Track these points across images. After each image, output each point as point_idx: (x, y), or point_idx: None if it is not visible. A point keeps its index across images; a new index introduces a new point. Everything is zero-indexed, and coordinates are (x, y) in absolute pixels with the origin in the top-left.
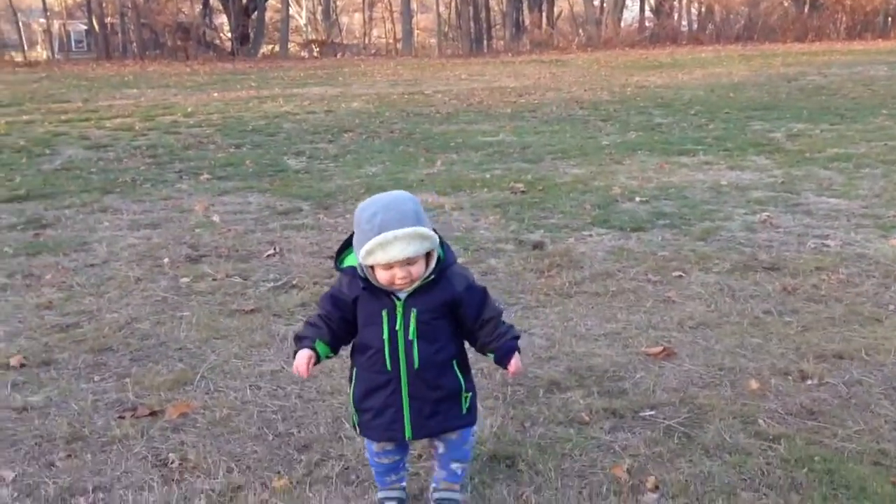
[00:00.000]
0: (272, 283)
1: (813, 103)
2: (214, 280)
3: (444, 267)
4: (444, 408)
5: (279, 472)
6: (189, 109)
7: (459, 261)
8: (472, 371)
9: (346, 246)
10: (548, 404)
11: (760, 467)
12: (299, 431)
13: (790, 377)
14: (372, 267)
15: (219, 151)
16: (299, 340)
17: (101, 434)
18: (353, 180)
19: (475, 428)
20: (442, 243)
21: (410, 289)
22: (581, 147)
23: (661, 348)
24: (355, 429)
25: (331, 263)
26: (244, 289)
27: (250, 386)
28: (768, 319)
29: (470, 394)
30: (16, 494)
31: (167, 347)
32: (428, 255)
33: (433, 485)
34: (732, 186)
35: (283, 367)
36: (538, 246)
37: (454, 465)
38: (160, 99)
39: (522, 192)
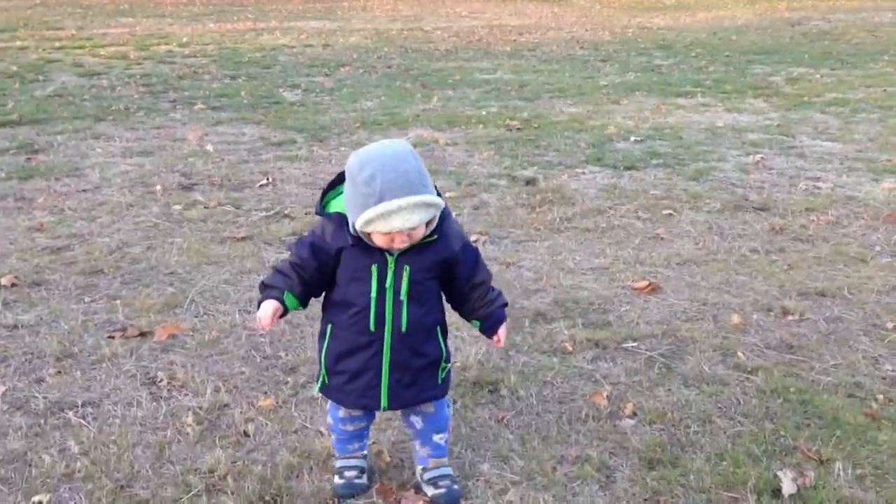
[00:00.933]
0: (264, 212)
1: (815, 48)
2: (206, 208)
3: (441, 223)
4: (422, 378)
5: (266, 392)
6: (184, 39)
7: (450, 195)
8: None
9: (333, 187)
10: (532, 334)
11: (737, 397)
12: (286, 354)
13: (772, 313)
14: None
15: (214, 82)
16: (266, 289)
17: (91, 352)
18: (348, 114)
19: (448, 399)
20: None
21: (406, 246)
22: (579, 86)
23: (646, 283)
24: (322, 391)
25: None
26: (236, 217)
27: (239, 310)
28: (754, 257)
29: (448, 364)
30: (6, 407)
31: (158, 272)
32: None
33: (420, 465)
34: (728, 128)
35: None
36: (531, 182)
37: (436, 438)
38: (155, 28)
39: (518, 129)
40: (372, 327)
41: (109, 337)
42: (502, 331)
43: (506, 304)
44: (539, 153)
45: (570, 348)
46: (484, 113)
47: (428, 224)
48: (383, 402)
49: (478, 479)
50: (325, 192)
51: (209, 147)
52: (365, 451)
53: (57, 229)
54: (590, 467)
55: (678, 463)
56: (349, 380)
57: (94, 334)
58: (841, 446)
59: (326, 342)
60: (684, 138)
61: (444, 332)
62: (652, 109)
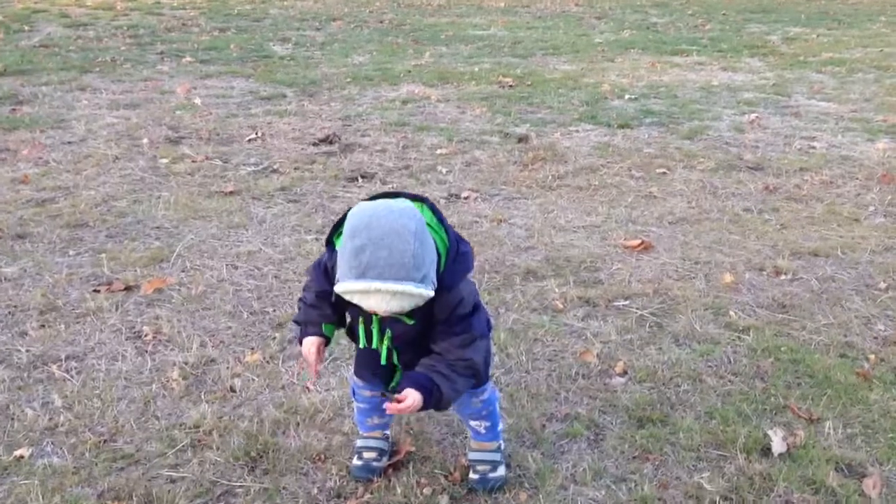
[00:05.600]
0: (252, 167)
1: (812, 7)
2: (194, 162)
3: (438, 291)
4: None
5: (252, 348)
6: None
7: (441, 152)
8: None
9: (341, 223)
10: (523, 291)
11: (727, 355)
12: (274, 310)
13: (765, 272)
14: None
15: (202, 34)
16: (302, 327)
17: (75, 306)
18: (339, 69)
19: (488, 386)
20: (448, 247)
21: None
22: (573, 44)
23: (639, 241)
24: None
25: (313, 150)
26: (224, 171)
27: (227, 265)
28: (748, 217)
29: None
30: None
31: (144, 225)
32: None
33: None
34: (724, 87)
35: (261, 248)
36: (523, 139)
37: (473, 423)
38: None
39: (510, 86)
40: (375, 366)
41: (94, 291)
42: (409, 398)
43: (439, 386)
44: (532, 110)
45: (560, 306)
46: (476, 69)
47: None
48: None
49: (465, 437)
50: (336, 225)
51: (197, 100)
52: (387, 432)
53: (42, 181)
54: (579, 425)
55: (668, 421)
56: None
57: (79, 288)
58: (832, 405)
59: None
60: (679, 97)
61: None
62: (647, 68)
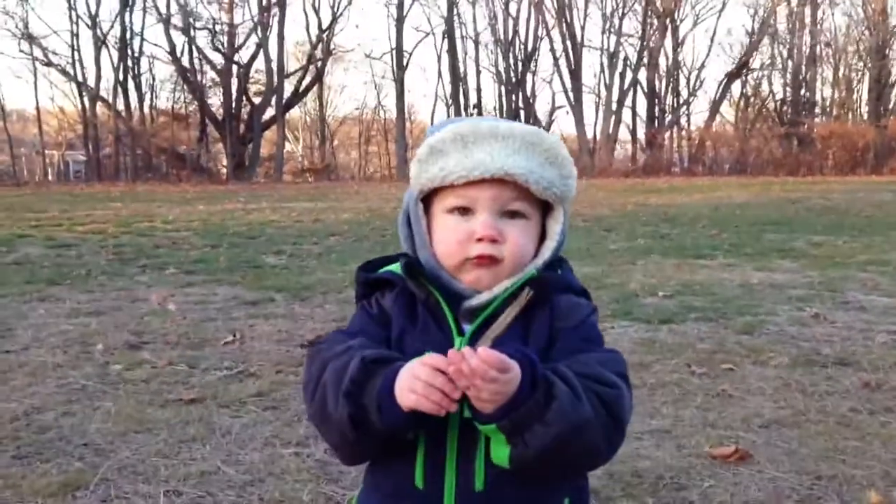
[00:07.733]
0: (224, 371)
1: (825, 220)
2: (153, 368)
3: (557, 282)
4: None
5: None
6: (170, 218)
7: None
8: None
9: (384, 262)
10: None
11: None
12: None
13: None
14: (428, 212)
15: (192, 250)
16: (372, 365)
17: None
18: (335, 274)
19: None
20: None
21: (489, 302)
22: (588, 250)
23: (732, 449)
24: None
25: (300, 352)
26: (188, 377)
27: (167, 492)
28: (859, 418)
29: None
30: None
31: (67, 442)
32: (543, 235)
33: None
34: (765, 285)
35: (219, 468)
36: None
37: None
38: (143, 210)
39: None
40: (419, 481)
41: None
42: (503, 359)
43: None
44: None
45: None
46: None
47: (539, 248)
48: None
49: None
50: (370, 262)
51: (171, 306)
52: None
53: None
54: None
55: None
56: None
57: None
58: None
59: (356, 496)
60: (719, 293)
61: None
62: (673, 268)
